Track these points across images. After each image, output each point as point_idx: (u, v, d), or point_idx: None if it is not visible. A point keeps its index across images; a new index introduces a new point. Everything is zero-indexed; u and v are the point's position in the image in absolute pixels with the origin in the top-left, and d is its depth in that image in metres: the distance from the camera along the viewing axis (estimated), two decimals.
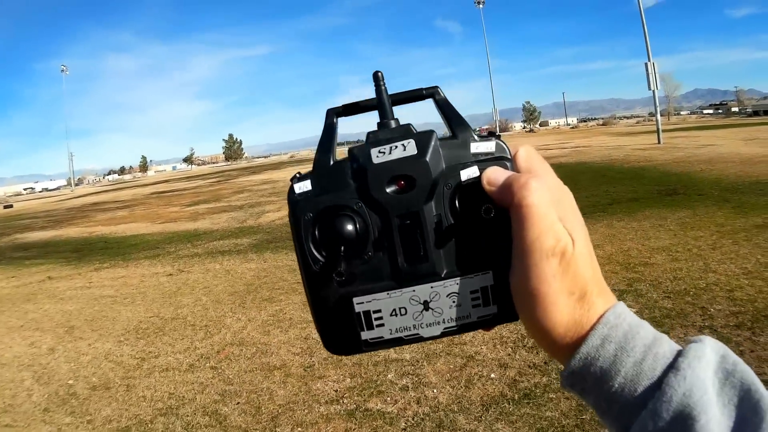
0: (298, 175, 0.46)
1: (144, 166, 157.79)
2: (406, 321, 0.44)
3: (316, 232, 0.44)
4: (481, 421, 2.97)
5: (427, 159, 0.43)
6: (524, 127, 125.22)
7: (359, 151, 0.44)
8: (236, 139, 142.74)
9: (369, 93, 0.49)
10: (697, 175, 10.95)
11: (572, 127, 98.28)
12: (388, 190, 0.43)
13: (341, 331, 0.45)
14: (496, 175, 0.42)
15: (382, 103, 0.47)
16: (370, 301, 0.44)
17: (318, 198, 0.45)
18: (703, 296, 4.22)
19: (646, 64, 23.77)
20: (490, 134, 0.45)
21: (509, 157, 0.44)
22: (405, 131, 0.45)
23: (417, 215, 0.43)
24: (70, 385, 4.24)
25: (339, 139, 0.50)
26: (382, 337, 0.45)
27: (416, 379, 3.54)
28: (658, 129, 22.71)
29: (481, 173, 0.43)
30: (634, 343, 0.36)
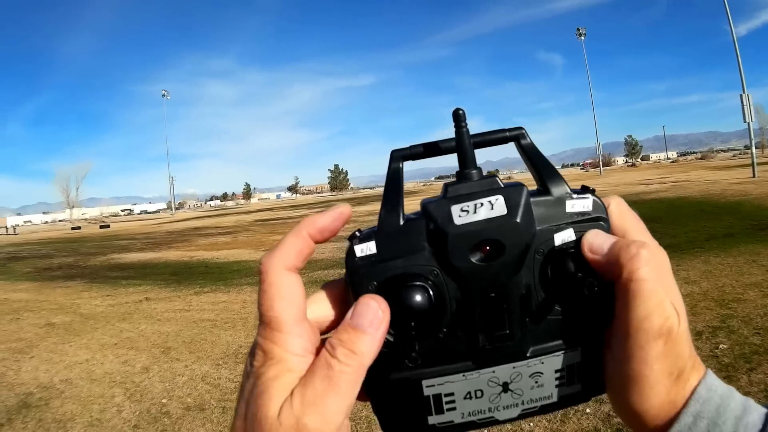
0: (358, 233, 0.42)
1: (247, 193, 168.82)
2: (482, 404, 0.42)
3: None
4: None
5: (518, 220, 0.40)
6: (626, 162, 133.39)
7: (437, 209, 0.40)
8: (342, 169, 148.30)
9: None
10: None
11: (672, 162, 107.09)
12: (472, 258, 0.40)
13: (405, 416, 0.42)
14: (599, 241, 0.40)
15: (463, 148, 0.43)
16: (442, 384, 0.42)
17: (385, 264, 0.40)
18: None
19: (741, 96, 26.22)
20: (584, 189, 0.43)
21: (606, 217, 0.42)
22: (491, 185, 0.41)
23: (504, 287, 0.40)
24: (163, 404, 4.38)
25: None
26: (452, 421, 0.42)
27: None
28: (753, 163, 24.92)
29: (578, 237, 0.41)
30: (726, 417, 0.37)
